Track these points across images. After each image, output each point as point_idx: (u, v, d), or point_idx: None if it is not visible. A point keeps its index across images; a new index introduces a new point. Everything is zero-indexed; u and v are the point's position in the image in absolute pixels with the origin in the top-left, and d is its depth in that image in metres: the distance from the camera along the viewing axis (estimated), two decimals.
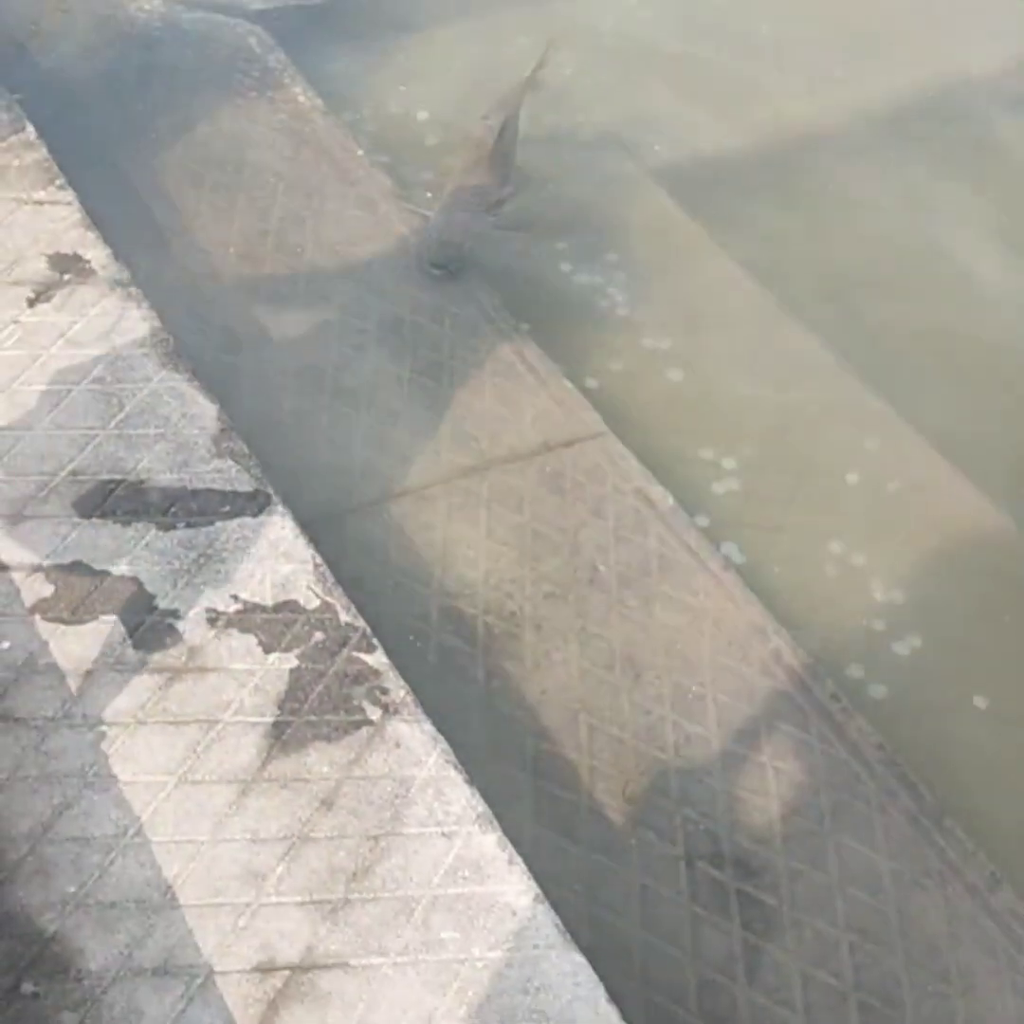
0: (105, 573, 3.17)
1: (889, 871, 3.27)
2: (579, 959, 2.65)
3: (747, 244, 5.19)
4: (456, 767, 2.92)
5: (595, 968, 2.96)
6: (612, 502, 3.99)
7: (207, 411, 3.57)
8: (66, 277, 3.87)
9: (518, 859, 2.79)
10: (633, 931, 3.10)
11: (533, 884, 2.75)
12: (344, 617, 3.16)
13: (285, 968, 2.57)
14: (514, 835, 3.16)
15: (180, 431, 3.50)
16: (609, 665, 3.60)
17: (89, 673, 2.98)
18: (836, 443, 4.58)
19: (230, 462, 3.45)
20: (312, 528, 3.72)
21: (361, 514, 3.87)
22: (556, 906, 3.01)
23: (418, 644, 3.58)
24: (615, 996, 2.93)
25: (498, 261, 4.86)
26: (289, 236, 4.67)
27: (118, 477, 3.37)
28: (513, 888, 2.73)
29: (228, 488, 3.39)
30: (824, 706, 3.57)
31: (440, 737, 2.98)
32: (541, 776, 3.35)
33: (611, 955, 3.05)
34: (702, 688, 3.58)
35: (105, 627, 3.07)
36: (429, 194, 5.01)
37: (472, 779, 2.99)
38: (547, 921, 2.69)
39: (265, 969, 2.57)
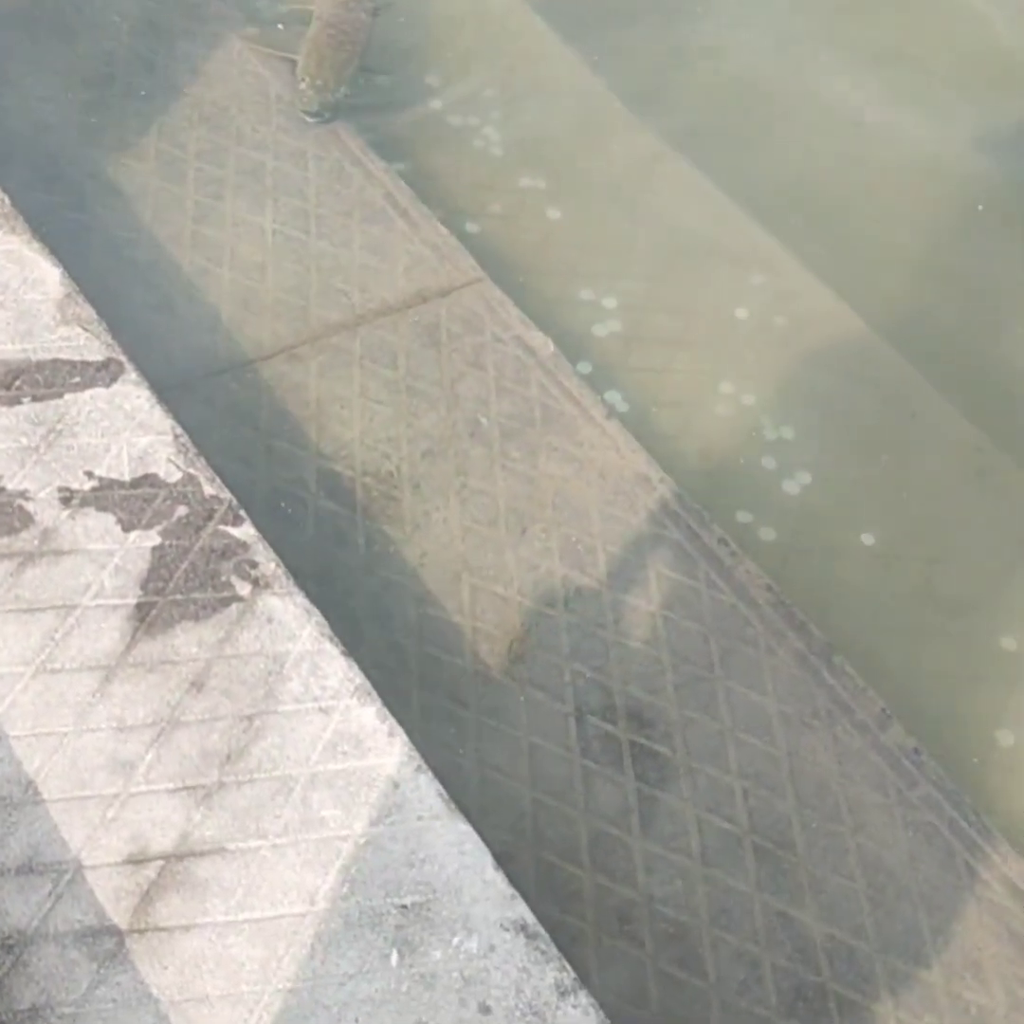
0: None
1: (779, 713, 3.24)
2: (464, 827, 2.58)
3: (626, 75, 4.96)
4: (331, 640, 2.81)
5: (485, 831, 2.91)
6: (491, 352, 3.84)
7: (50, 275, 3.33)
8: None
9: (399, 730, 2.70)
10: (523, 790, 3.05)
11: (415, 754, 2.67)
12: (208, 489, 3.00)
13: (158, 858, 2.48)
14: (401, 704, 3.09)
15: (21, 298, 3.27)
16: (493, 521, 3.49)
17: None
18: (722, 279, 4.45)
19: (78, 329, 3.23)
20: (176, 393, 3.54)
21: (228, 377, 3.68)
22: (445, 772, 2.95)
23: (291, 511, 3.44)
24: (506, 857, 2.90)
25: (363, 100, 4.59)
26: (136, 80, 4.37)
27: None
28: (394, 760, 2.65)
29: (77, 357, 3.18)
30: (712, 552, 3.51)
31: (314, 610, 2.86)
32: (425, 642, 3.26)
33: (501, 817, 3.00)
34: (591, 539, 3.49)
35: None
36: (280, 26, 4.71)
37: (352, 650, 2.89)
38: (431, 791, 2.62)
39: (137, 860, 2.47)
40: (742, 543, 3.68)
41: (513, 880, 2.86)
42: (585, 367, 4.09)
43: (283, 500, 3.46)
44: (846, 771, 3.15)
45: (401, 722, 2.81)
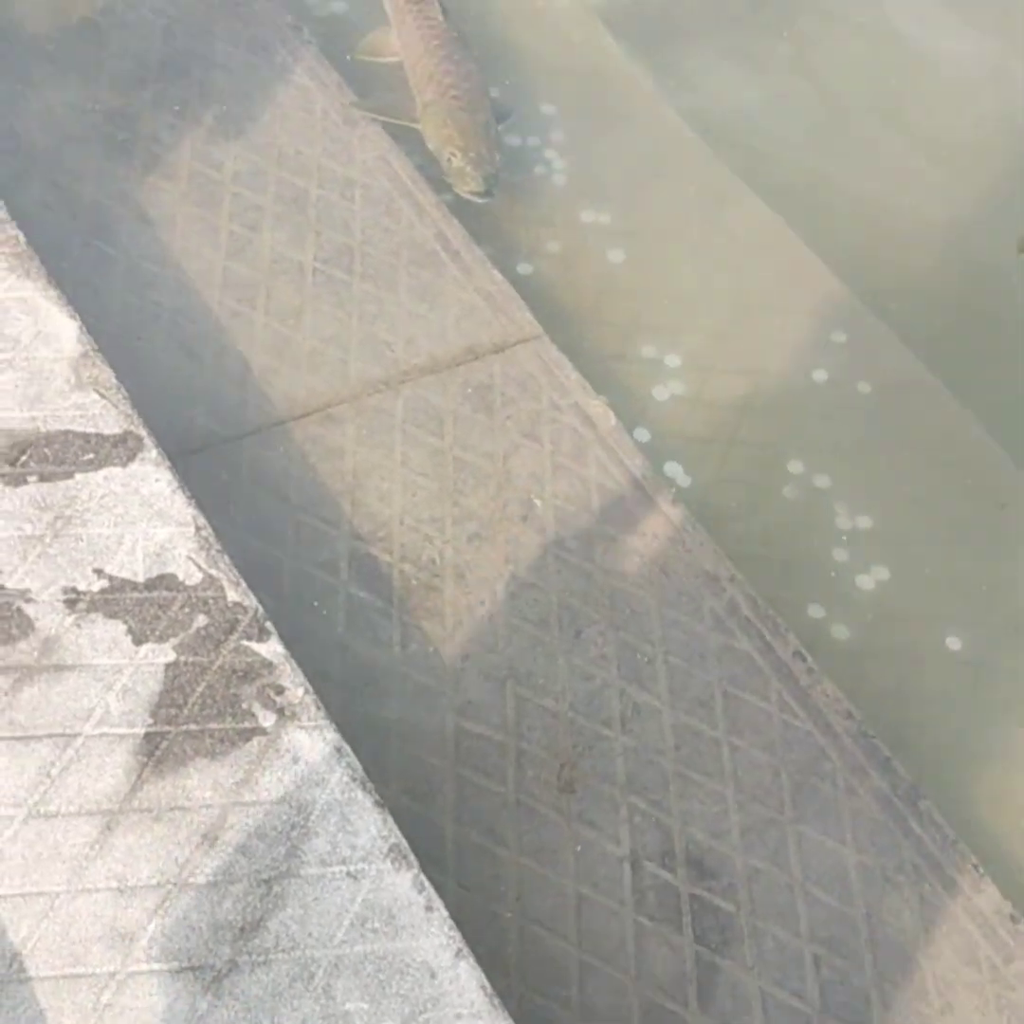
0: None
1: (858, 866, 2.89)
2: None
3: (699, 100, 4.57)
4: (364, 786, 2.47)
5: (526, 997, 2.60)
6: (548, 422, 3.47)
7: (66, 329, 2.97)
8: None
9: (438, 903, 2.36)
10: (570, 950, 2.71)
11: (456, 935, 2.33)
12: (232, 595, 2.65)
13: None
14: (433, 839, 2.77)
15: (32, 356, 2.90)
16: (543, 620, 3.14)
17: None
18: (799, 335, 4.08)
19: (94, 395, 2.87)
20: (197, 457, 3.21)
21: (256, 439, 3.32)
22: (482, 925, 2.64)
23: (319, 601, 3.08)
24: None
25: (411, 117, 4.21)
26: (169, 88, 3.98)
27: None
28: (432, 942, 2.31)
29: (91, 429, 2.82)
30: (786, 667, 3.15)
31: (346, 748, 2.51)
32: (463, 762, 2.92)
33: (544, 981, 2.67)
34: (652, 647, 3.14)
35: None
36: (348, 57, 4.30)
37: (380, 772, 2.60)
38: (472, 983, 2.28)
39: None
40: (813, 644, 3.34)
41: None
42: (643, 434, 3.74)
43: (311, 587, 3.11)
44: (933, 939, 2.81)
45: (434, 864, 2.49)
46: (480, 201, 3.93)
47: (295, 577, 3.12)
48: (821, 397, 3.94)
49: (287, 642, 2.69)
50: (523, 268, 4.05)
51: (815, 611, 3.51)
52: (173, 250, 3.61)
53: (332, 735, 2.52)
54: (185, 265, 3.59)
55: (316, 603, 3.08)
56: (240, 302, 3.55)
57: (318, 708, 2.55)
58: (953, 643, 3.51)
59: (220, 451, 3.27)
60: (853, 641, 3.48)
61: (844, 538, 3.66)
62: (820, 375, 3.97)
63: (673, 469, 3.70)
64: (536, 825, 2.85)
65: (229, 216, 3.72)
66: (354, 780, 2.47)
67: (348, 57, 4.30)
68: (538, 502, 3.32)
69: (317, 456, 3.32)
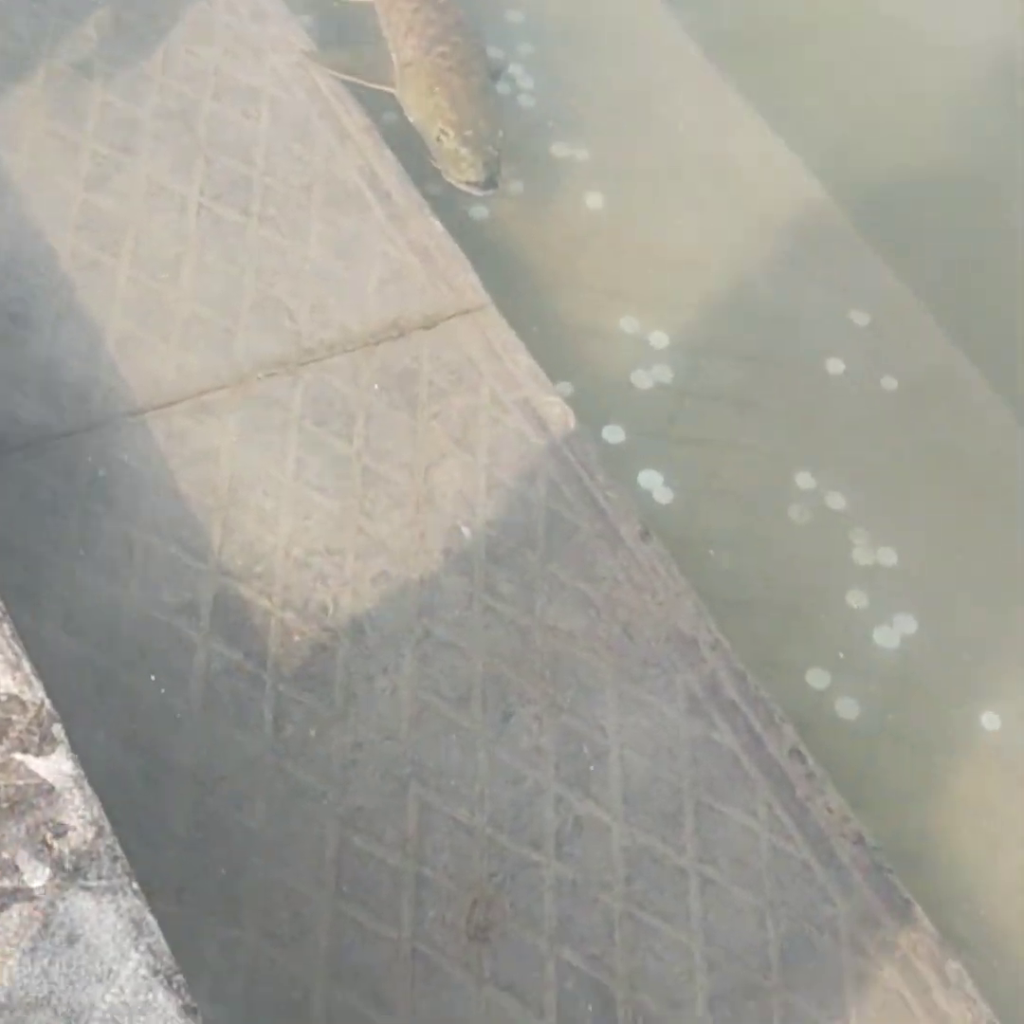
0: None
1: None
2: None
3: (707, 13, 3.74)
4: (167, 982, 1.71)
5: None
6: (486, 422, 2.69)
7: None
8: None
9: None
10: None
11: None
12: (6, 682, 1.88)
13: None
14: (299, 1004, 2.03)
15: None
16: (463, 697, 2.38)
17: None
18: (813, 314, 3.30)
19: None
20: (19, 457, 2.46)
21: (101, 434, 2.54)
22: None
23: (169, 660, 2.32)
24: None
25: (340, 16, 3.37)
26: None
27: None
28: None
29: None
30: (780, 771, 2.40)
31: (147, 921, 1.74)
32: (345, 895, 2.17)
33: None
34: (604, 738, 2.38)
35: None
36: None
37: (230, 904, 1.86)
38: None
39: None
40: (813, 724, 2.61)
41: None
42: (616, 433, 2.97)
43: (159, 640, 2.34)
44: None
45: None
46: (480, 193, 3.07)
47: (135, 625, 2.35)
48: (836, 393, 3.17)
49: (119, 716, 1.96)
50: (477, 211, 3.24)
51: (817, 677, 2.76)
52: (15, 175, 2.80)
53: (129, 901, 1.75)
54: (29, 195, 2.79)
55: (165, 660, 2.32)
56: (100, 248, 2.75)
57: (114, 860, 1.78)
58: (990, 721, 2.77)
59: (52, 449, 2.49)
60: (865, 720, 2.73)
61: (862, 577, 2.90)
62: (835, 365, 3.20)
63: (650, 479, 2.93)
64: (436, 986, 2.12)
65: (96, 132, 2.90)
66: (155, 973, 1.71)
67: None
68: (466, 531, 2.54)
69: (182, 459, 2.53)
